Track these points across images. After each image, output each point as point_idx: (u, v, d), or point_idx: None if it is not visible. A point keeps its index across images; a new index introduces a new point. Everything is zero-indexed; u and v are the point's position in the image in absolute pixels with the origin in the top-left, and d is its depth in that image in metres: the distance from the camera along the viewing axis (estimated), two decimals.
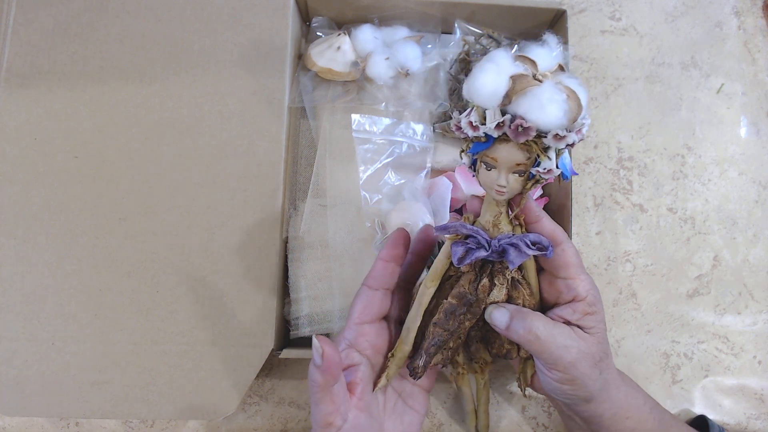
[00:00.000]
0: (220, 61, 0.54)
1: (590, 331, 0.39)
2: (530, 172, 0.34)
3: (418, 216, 0.52)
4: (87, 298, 0.51)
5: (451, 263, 0.38)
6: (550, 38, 0.34)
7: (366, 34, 0.57)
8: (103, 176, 0.52)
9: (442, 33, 0.60)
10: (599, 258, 0.63)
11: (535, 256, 0.38)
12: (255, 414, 0.58)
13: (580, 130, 0.33)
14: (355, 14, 0.59)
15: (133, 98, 0.53)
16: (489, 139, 0.34)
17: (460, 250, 0.36)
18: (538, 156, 0.33)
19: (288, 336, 0.56)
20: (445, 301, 0.38)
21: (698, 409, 0.60)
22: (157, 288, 0.51)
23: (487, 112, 0.33)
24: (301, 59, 0.59)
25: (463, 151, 0.36)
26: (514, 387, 0.60)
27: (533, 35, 0.62)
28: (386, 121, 0.57)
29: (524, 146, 0.33)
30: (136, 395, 0.50)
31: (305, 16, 0.61)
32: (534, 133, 0.32)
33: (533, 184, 0.35)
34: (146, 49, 0.54)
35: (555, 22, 0.59)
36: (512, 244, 0.36)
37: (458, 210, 0.58)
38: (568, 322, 0.39)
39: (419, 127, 0.58)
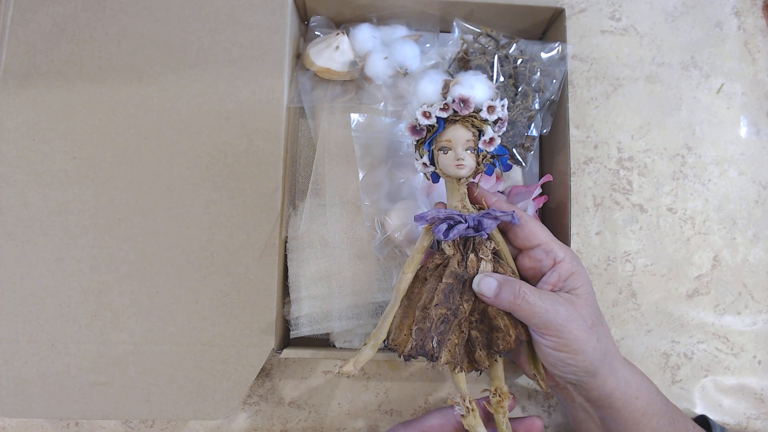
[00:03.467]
0: (218, 61, 0.54)
1: (576, 293, 0.41)
2: (479, 148, 0.42)
3: None
4: (86, 298, 0.51)
5: (434, 255, 0.44)
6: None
7: (364, 34, 0.57)
8: (102, 176, 0.52)
9: (441, 32, 0.60)
10: (599, 258, 0.63)
11: (507, 239, 0.45)
12: (255, 414, 0.58)
13: (504, 105, 0.43)
14: (354, 13, 0.59)
15: (131, 98, 0.53)
16: (440, 124, 0.42)
17: (443, 227, 0.42)
18: (481, 129, 0.42)
19: (288, 336, 0.56)
20: (441, 283, 0.42)
21: (698, 409, 0.60)
22: (156, 288, 0.51)
23: (433, 103, 0.42)
24: (299, 59, 0.59)
25: (418, 149, 0.44)
26: (512, 387, 0.60)
27: (532, 34, 0.62)
28: (385, 120, 0.57)
29: (468, 123, 0.42)
30: (136, 395, 0.50)
31: (303, 16, 0.61)
32: (473, 106, 0.41)
33: (483, 160, 0.43)
34: (144, 49, 0.54)
35: (553, 21, 0.59)
36: (484, 215, 0.43)
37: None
38: (556, 290, 0.42)
39: None
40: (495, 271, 0.43)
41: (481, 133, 0.42)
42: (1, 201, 0.51)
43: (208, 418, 0.51)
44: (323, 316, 0.53)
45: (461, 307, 0.42)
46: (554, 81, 0.57)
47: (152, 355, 0.50)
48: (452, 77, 0.43)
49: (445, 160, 0.42)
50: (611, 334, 0.43)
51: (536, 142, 0.59)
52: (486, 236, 0.43)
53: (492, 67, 0.55)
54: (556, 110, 0.57)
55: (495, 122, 0.43)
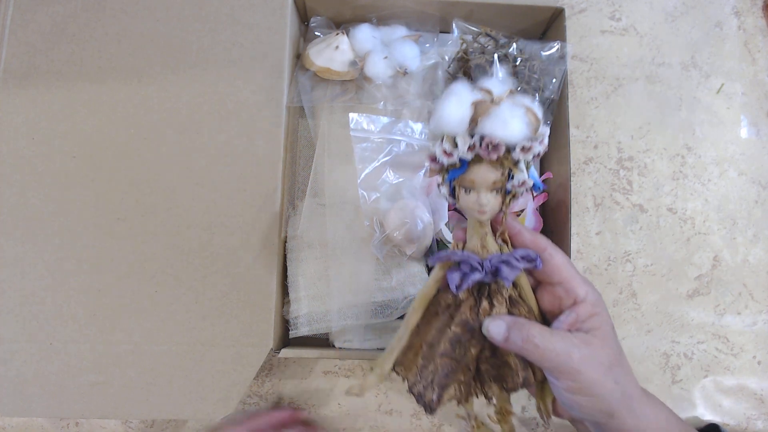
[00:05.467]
0: (218, 61, 0.54)
1: (595, 334, 0.38)
2: (506, 188, 0.37)
3: (417, 214, 0.52)
4: (86, 298, 0.51)
5: (447, 291, 0.40)
6: (499, 69, 0.39)
7: (364, 34, 0.57)
8: (102, 176, 0.52)
9: (441, 32, 0.60)
10: (599, 258, 0.63)
11: (528, 272, 0.40)
12: None
13: (542, 140, 0.36)
14: (354, 14, 0.59)
15: (131, 98, 0.53)
16: (463, 164, 0.36)
17: (456, 277, 0.38)
18: (511, 170, 0.36)
19: (287, 336, 0.56)
20: (449, 330, 0.39)
21: (699, 410, 0.60)
22: (156, 288, 0.51)
23: (457, 138, 0.36)
24: (299, 59, 0.59)
25: (440, 184, 0.39)
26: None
27: (532, 34, 0.62)
28: (384, 119, 0.57)
29: (496, 163, 0.36)
30: (136, 395, 0.50)
31: (303, 16, 0.61)
32: (504, 149, 0.35)
33: (510, 200, 0.37)
34: (144, 48, 0.54)
35: (553, 21, 0.59)
36: (503, 261, 0.38)
37: (457, 209, 0.58)
38: (572, 330, 0.38)
39: (418, 126, 0.58)
40: (509, 312, 0.39)
41: (510, 173, 0.36)
42: (1, 201, 0.51)
43: (207, 417, 0.50)
44: (322, 315, 0.53)
45: (468, 353, 0.39)
46: (554, 80, 0.57)
47: (152, 355, 0.50)
48: (488, 93, 0.36)
49: (466, 201, 0.37)
50: (632, 372, 0.40)
51: None
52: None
53: (492, 66, 0.55)
54: (556, 110, 0.57)
55: (529, 160, 0.37)
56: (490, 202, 0.37)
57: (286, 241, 0.54)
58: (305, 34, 0.62)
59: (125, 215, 0.52)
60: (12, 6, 0.54)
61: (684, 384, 0.61)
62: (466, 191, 0.37)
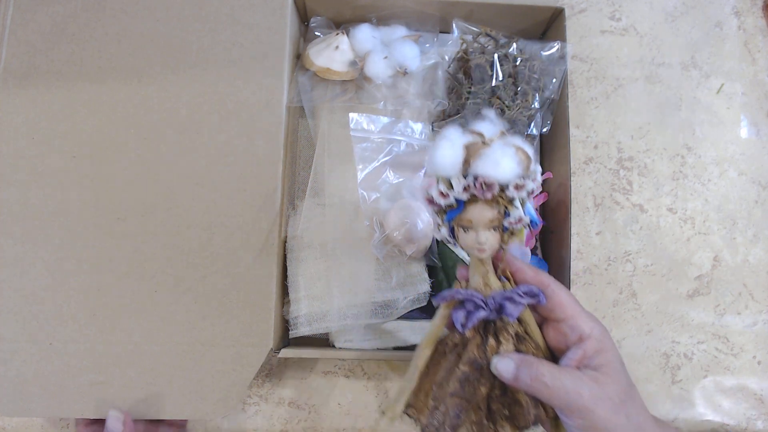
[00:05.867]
0: (218, 61, 0.54)
1: (603, 370, 0.38)
2: (503, 225, 0.38)
3: (417, 214, 0.52)
4: (85, 298, 0.50)
5: (453, 330, 0.40)
6: (489, 112, 0.40)
7: (364, 34, 0.57)
8: (102, 176, 0.52)
9: (441, 32, 0.60)
10: (599, 258, 0.62)
11: (533, 309, 0.41)
12: (255, 414, 0.58)
13: (534, 178, 0.38)
14: (354, 14, 0.59)
15: (131, 98, 0.53)
16: (459, 204, 0.38)
17: (460, 316, 0.39)
18: (506, 208, 0.37)
19: (287, 336, 0.56)
20: (457, 369, 0.39)
21: (699, 410, 0.60)
22: (156, 288, 0.51)
23: (452, 180, 0.37)
24: (299, 59, 0.59)
25: (438, 225, 0.40)
26: None
27: (532, 34, 0.62)
28: (384, 119, 0.57)
29: (492, 202, 0.37)
30: (136, 395, 0.50)
31: (303, 16, 0.61)
32: (497, 188, 0.36)
33: (509, 237, 0.39)
34: (144, 48, 0.54)
35: (553, 21, 0.59)
36: (507, 298, 0.39)
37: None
38: (581, 367, 0.38)
39: (418, 126, 0.58)
40: (517, 350, 0.39)
41: (506, 211, 0.38)
42: (1, 201, 0.51)
43: (207, 417, 0.51)
44: (322, 315, 0.53)
45: (478, 391, 0.39)
46: (554, 80, 0.57)
47: (152, 355, 0.50)
48: (480, 135, 0.38)
49: (465, 240, 0.38)
50: (644, 405, 0.40)
51: (536, 142, 0.59)
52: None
53: (492, 66, 0.55)
54: (556, 109, 0.57)
55: (524, 197, 0.39)
56: (489, 240, 0.38)
57: (286, 241, 0.54)
58: (305, 34, 0.62)
59: (125, 215, 0.52)
60: (12, 6, 0.54)
61: (684, 384, 0.61)
62: (464, 230, 0.38)
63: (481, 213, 0.37)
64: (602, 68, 0.66)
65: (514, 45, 0.57)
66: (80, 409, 0.50)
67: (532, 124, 0.57)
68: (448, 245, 0.53)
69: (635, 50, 0.67)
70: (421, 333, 0.57)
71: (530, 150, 0.38)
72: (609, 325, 0.61)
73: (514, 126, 0.56)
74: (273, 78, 0.54)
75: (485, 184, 0.36)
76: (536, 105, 0.56)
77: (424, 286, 0.54)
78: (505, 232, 0.39)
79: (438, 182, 0.38)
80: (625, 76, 0.66)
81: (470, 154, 0.37)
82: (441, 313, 0.41)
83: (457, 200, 0.38)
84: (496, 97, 0.55)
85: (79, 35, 0.54)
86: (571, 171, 0.56)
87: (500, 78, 0.55)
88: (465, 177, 0.37)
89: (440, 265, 0.54)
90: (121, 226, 0.52)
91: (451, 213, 0.39)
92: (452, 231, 0.40)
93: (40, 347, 0.50)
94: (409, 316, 0.55)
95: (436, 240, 0.55)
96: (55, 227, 0.51)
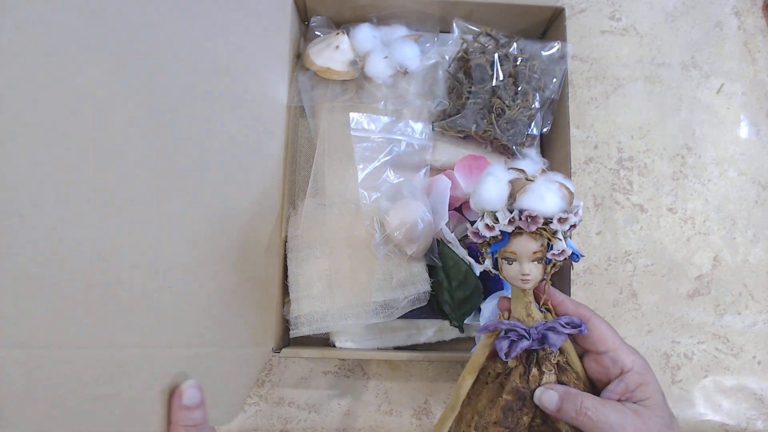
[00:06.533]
0: (218, 61, 0.54)
1: (645, 404, 0.39)
2: (546, 258, 0.40)
3: (417, 214, 0.52)
4: (85, 298, 0.50)
5: (496, 359, 0.41)
6: (531, 152, 0.42)
7: (364, 33, 0.57)
8: (102, 176, 0.52)
9: (441, 32, 0.60)
10: (599, 258, 0.62)
11: (573, 340, 0.42)
12: (255, 414, 0.58)
13: (577, 212, 0.39)
14: (354, 13, 0.59)
15: (130, 98, 0.53)
16: (504, 236, 0.40)
17: (504, 345, 0.40)
18: (550, 240, 0.39)
19: (288, 335, 0.56)
20: (500, 398, 0.40)
21: (699, 410, 0.60)
22: (169, 284, 0.51)
23: (497, 213, 0.39)
24: (299, 58, 0.59)
25: (483, 257, 0.42)
26: None
27: (532, 34, 0.62)
28: (385, 119, 0.57)
29: (536, 235, 0.39)
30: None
31: (304, 16, 0.61)
32: (542, 221, 0.38)
33: (552, 269, 0.40)
34: (144, 48, 0.54)
35: (553, 21, 0.59)
36: (549, 328, 0.40)
37: (458, 209, 0.58)
38: (622, 400, 0.39)
39: (418, 126, 0.58)
40: (559, 380, 0.40)
41: (550, 243, 0.40)
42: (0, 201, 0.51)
43: (212, 420, 0.50)
44: (323, 315, 0.53)
45: (521, 420, 0.40)
46: (554, 80, 0.57)
47: (159, 360, 0.50)
48: (522, 172, 0.40)
49: (509, 271, 0.40)
50: None
51: (537, 141, 0.59)
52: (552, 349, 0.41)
53: (492, 66, 0.55)
54: (556, 109, 0.57)
55: (566, 231, 0.40)
56: (532, 271, 0.39)
57: (286, 241, 0.54)
58: (305, 33, 0.62)
59: (125, 215, 0.52)
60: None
61: (684, 384, 0.61)
62: (508, 262, 0.40)
63: (525, 245, 0.39)
64: (602, 68, 0.66)
65: (515, 45, 0.57)
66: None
67: (533, 124, 0.57)
68: (449, 245, 0.53)
69: (635, 50, 0.67)
70: (422, 333, 0.57)
71: (572, 186, 0.40)
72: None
73: (515, 126, 0.56)
74: (273, 78, 0.54)
75: (531, 217, 0.38)
76: (536, 105, 0.56)
77: (425, 285, 0.54)
78: (548, 264, 0.40)
79: (484, 216, 0.40)
80: (625, 76, 0.66)
81: (515, 189, 0.39)
82: (483, 343, 0.42)
83: (502, 233, 0.39)
84: (496, 96, 0.55)
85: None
86: (572, 171, 0.56)
87: (500, 78, 0.55)
88: (510, 211, 0.39)
89: (440, 264, 0.54)
90: (121, 226, 0.51)
91: (496, 245, 0.40)
92: (495, 263, 0.41)
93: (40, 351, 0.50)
94: (409, 315, 0.55)
95: (437, 240, 0.55)
96: (55, 227, 0.51)
